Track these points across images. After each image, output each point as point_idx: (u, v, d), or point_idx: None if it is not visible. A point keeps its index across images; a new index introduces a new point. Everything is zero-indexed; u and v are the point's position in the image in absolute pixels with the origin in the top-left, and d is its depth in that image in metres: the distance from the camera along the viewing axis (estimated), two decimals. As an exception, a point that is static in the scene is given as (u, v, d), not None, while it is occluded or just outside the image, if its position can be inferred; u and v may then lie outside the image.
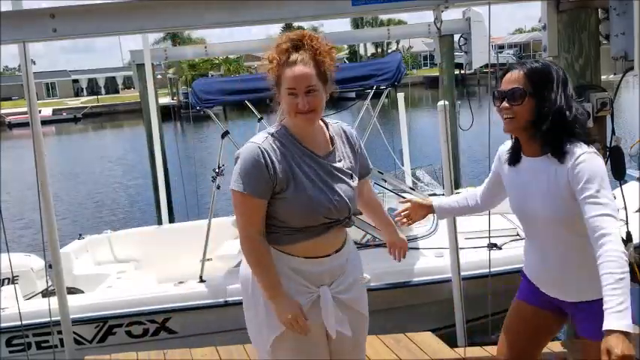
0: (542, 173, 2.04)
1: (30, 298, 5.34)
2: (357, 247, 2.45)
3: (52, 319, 3.94)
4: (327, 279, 2.12)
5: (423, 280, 4.73)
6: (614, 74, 3.50)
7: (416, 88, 43.54)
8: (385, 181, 5.49)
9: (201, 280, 4.92)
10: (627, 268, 1.79)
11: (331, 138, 2.16)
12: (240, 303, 4.76)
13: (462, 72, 9.71)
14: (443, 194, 4.46)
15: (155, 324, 4.78)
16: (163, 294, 4.87)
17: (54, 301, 4.04)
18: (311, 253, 2.09)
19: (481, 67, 7.71)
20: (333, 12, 3.53)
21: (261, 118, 5.80)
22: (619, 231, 1.86)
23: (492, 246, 4.65)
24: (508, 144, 2.23)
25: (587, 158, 1.93)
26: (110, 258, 6.29)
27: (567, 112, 2.01)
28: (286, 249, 2.09)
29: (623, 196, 3.13)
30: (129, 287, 5.40)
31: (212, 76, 40.18)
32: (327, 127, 2.18)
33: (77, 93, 64.53)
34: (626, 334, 1.68)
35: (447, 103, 3.90)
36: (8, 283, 4.66)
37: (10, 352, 4.74)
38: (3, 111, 41.93)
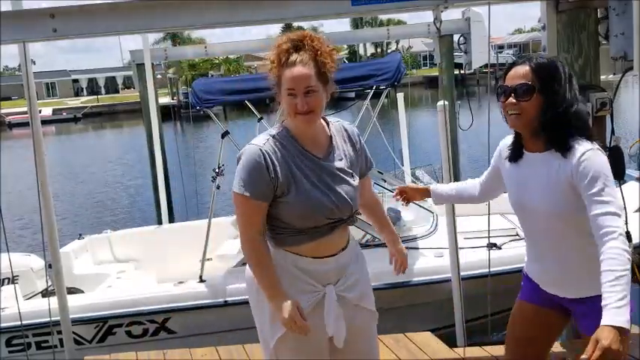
0: (543, 167, 2.03)
1: (30, 298, 5.34)
2: (357, 247, 2.45)
3: (52, 319, 3.94)
4: (333, 278, 2.13)
5: (423, 280, 4.73)
6: (614, 74, 3.51)
7: (415, 88, 43.55)
8: (385, 181, 5.49)
9: (201, 280, 4.92)
10: (628, 266, 1.79)
11: (332, 137, 2.16)
12: (239, 303, 4.78)
13: (462, 72, 9.69)
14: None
15: (155, 324, 4.78)
16: (163, 294, 4.87)
17: (54, 301, 4.04)
18: (317, 253, 2.10)
19: (481, 67, 7.71)
20: (332, 12, 3.54)
21: (261, 118, 5.80)
22: (623, 229, 1.85)
23: (492, 246, 4.66)
24: (509, 139, 2.21)
25: (591, 155, 1.93)
26: (110, 258, 6.30)
27: (573, 109, 2.01)
28: (293, 249, 2.10)
29: (622, 196, 3.13)
30: (129, 287, 5.40)
31: (212, 76, 40.20)
32: (328, 126, 2.18)
33: (77, 93, 64.52)
34: (620, 330, 1.68)
35: (446, 103, 3.90)
36: (8, 283, 4.66)
37: (10, 352, 4.74)
38: (3, 111, 41.92)
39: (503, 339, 4.50)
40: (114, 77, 66.20)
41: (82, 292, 5.43)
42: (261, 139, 2.07)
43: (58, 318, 4.02)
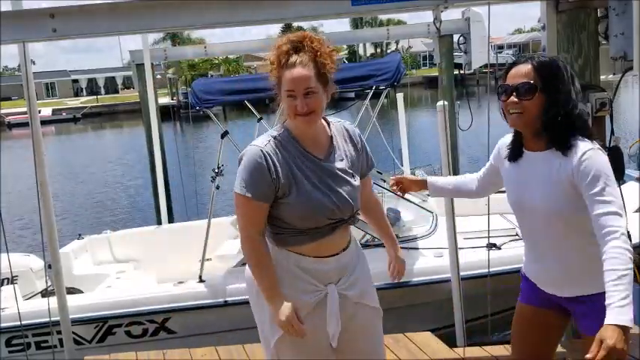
0: (543, 166, 2.03)
1: (29, 298, 5.34)
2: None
3: (52, 319, 3.94)
4: (334, 277, 2.14)
5: (423, 280, 4.73)
6: (614, 74, 3.51)
7: (415, 88, 43.53)
8: (384, 181, 5.49)
9: (201, 280, 4.92)
10: (631, 265, 1.79)
11: (332, 137, 2.16)
12: (239, 303, 4.78)
13: (462, 72, 9.69)
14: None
15: (154, 324, 4.78)
16: (163, 294, 4.87)
17: (53, 301, 4.04)
18: (319, 253, 2.11)
19: (480, 67, 7.71)
20: (332, 12, 3.53)
21: (261, 119, 5.80)
22: (625, 229, 1.86)
23: (491, 246, 4.66)
24: (508, 138, 2.21)
25: (592, 155, 1.93)
26: (109, 258, 6.29)
27: (575, 108, 2.01)
28: (295, 249, 2.10)
29: (622, 196, 3.13)
30: (128, 287, 5.40)
31: (212, 76, 40.20)
32: (329, 126, 2.18)
33: (77, 93, 64.51)
34: (624, 329, 1.69)
35: (446, 103, 3.90)
36: (8, 283, 4.65)
37: (10, 352, 4.74)
38: (3, 111, 41.92)
39: (503, 339, 4.52)
40: (113, 77, 66.18)
41: (82, 292, 5.43)
42: (262, 140, 2.07)
43: (58, 318, 4.02)
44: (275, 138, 2.07)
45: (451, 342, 3.94)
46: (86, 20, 3.45)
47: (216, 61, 44.47)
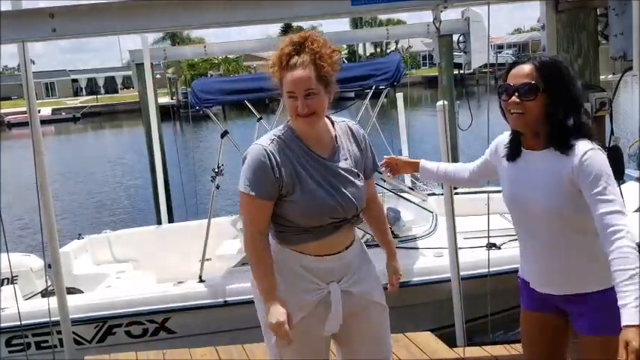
0: (543, 166, 2.03)
1: (29, 298, 5.34)
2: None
3: (52, 319, 3.94)
4: (336, 275, 2.14)
5: (422, 280, 4.73)
6: (613, 74, 3.52)
7: (415, 88, 43.52)
8: (384, 181, 5.49)
9: (201, 280, 4.92)
10: (639, 264, 1.79)
11: (336, 137, 2.17)
12: (239, 303, 4.77)
13: (461, 72, 9.69)
14: (442, 194, 4.46)
15: (154, 324, 4.78)
16: (163, 294, 4.87)
17: (53, 301, 4.04)
18: (321, 252, 2.11)
19: (480, 67, 7.71)
20: (332, 12, 3.54)
21: (261, 118, 5.80)
22: (629, 227, 1.86)
23: (491, 246, 4.66)
24: (506, 136, 2.21)
25: (593, 155, 1.93)
26: (109, 258, 6.29)
27: (581, 108, 2.01)
28: (297, 248, 2.11)
29: (622, 196, 3.13)
30: (128, 287, 5.40)
31: (211, 75, 40.19)
32: (333, 126, 2.19)
33: (76, 93, 64.49)
34: None
35: (446, 102, 3.90)
36: (8, 283, 4.65)
37: (10, 352, 4.74)
38: (2, 111, 41.89)
39: (503, 339, 4.52)
40: (113, 77, 66.19)
41: (82, 292, 5.43)
42: (266, 139, 2.09)
43: (58, 318, 4.02)
44: (279, 137, 2.08)
45: (451, 342, 3.94)
46: (86, 20, 3.45)
47: (216, 61, 44.51)
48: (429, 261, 4.86)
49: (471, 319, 4.21)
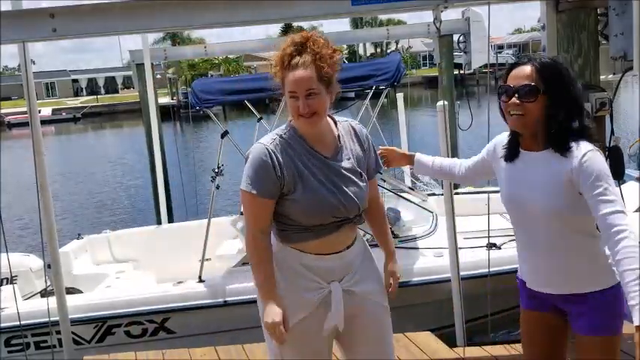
0: (542, 167, 2.03)
1: (29, 298, 5.34)
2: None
3: (51, 319, 3.94)
4: (337, 275, 2.14)
5: (423, 280, 4.73)
6: (614, 74, 3.51)
7: (415, 88, 43.53)
8: (384, 181, 5.49)
9: (200, 280, 4.91)
10: None
11: (339, 136, 2.18)
12: (238, 303, 4.76)
13: (462, 72, 9.72)
14: (442, 194, 4.46)
15: (154, 324, 4.78)
16: (162, 294, 4.87)
17: (53, 301, 4.04)
18: (321, 250, 2.11)
19: (480, 67, 7.71)
20: (332, 12, 3.54)
21: (261, 118, 5.79)
22: (631, 227, 1.87)
23: (491, 246, 4.66)
24: (505, 137, 2.20)
25: (592, 156, 1.94)
26: (109, 258, 6.29)
27: (583, 110, 2.01)
28: (298, 246, 2.12)
29: (622, 196, 3.13)
30: (128, 287, 5.39)
31: (212, 75, 40.20)
32: (336, 125, 2.20)
33: (77, 93, 64.52)
34: None
35: (446, 103, 3.90)
36: (7, 283, 4.65)
37: (9, 352, 4.73)
38: (2, 111, 41.92)
39: (503, 339, 4.51)
40: (113, 77, 66.21)
41: (81, 292, 5.42)
42: (268, 138, 2.11)
43: (57, 318, 4.02)
44: (281, 136, 2.10)
45: (451, 342, 3.94)
46: (86, 20, 3.45)
47: (216, 61, 44.51)
48: (429, 261, 4.85)
49: (470, 319, 4.21)
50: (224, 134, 5.07)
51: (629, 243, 1.81)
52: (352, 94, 8.62)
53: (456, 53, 7.86)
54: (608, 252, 2.04)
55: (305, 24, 35.99)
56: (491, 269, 3.96)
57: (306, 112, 2.01)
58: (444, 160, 2.64)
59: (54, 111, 45.51)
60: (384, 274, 2.39)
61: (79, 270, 5.85)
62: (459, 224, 4.10)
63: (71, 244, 6.14)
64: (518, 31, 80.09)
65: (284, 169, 2.03)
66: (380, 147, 2.66)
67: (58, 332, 4.13)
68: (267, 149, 2.04)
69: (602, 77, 3.52)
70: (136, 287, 5.25)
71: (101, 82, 66.04)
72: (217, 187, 5.13)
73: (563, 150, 1.98)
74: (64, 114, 46.12)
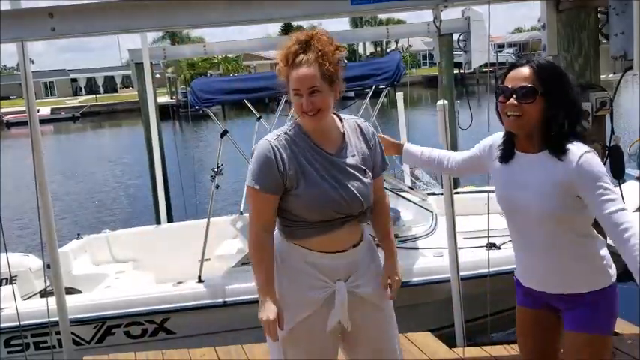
0: (538, 169, 2.04)
1: (28, 298, 5.33)
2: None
3: (51, 319, 3.93)
4: (343, 274, 2.14)
5: (422, 280, 4.72)
6: (614, 73, 3.51)
7: (415, 87, 43.52)
8: (384, 181, 5.48)
9: (200, 280, 4.91)
10: None
11: (345, 134, 2.18)
12: (238, 303, 4.75)
13: (462, 71, 9.69)
14: (442, 194, 4.46)
15: (154, 324, 4.78)
16: (162, 294, 4.86)
17: (52, 301, 4.03)
18: (327, 248, 2.12)
19: (480, 66, 7.70)
20: (332, 11, 3.53)
21: (260, 117, 5.79)
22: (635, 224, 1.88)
23: (491, 246, 4.65)
24: (500, 137, 2.20)
25: (589, 157, 1.95)
26: (109, 258, 6.28)
27: (580, 112, 2.02)
28: (302, 242, 2.12)
29: (622, 195, 3.13)
30: (127, 287, 5.39)
31: (211, 75, 40.18)
32: (342, 123, 2.20)
33: (76, 92, 64.49)
34: None
35: (446, 102, 3.90)
36: (6, 283, 4.64)
37: (9, 352, 4.73)
38: (1, 110, 41.87)
39: (502, 339, 4.51)
40: (112, 76, 66.19)
41: (81, 292, 5.42)
42: (273, 135, 2.13)
43: (57, 318, 4.01)
44: (285, 133, 2.12)
45: (451, 342, 3.94)
46: (85, 19, 3.45)
47: (216, 60, 44.51)
48: (428, 261, 4.85)
49: (470, 319, 4.21)
50: (223, 133, 5.07)
51: (638, 240, 1.82)
52: (352, 94, 8.63)
53: (456, 52, 7.86)
54: (603, 253, 2.06)
55: (304, 23, 35.99)
56: (491, 269, 3.96)
57: (309, 109, 2.02)
58: (434, 152, 2.61)
59: (53, 110, 45.48)
60: (387, 277, 2.37)
61: (79, 270, 5.84)
62: (458, 224, 4.09)
63: (71, 244, 6.13)
64: (519, 30, 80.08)
65: (287, 165, 2.05)
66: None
67: (58, 332, 4.12)
68: (271, 145, 2.07)
69: (602, 76, 3.51)
70: (135, 287, 5.25)
71: (100, 82, 65.99)
72: (217, 187, 5.12)
73: (560, 153, 1.98)
74: (63, 113, 46.10)
